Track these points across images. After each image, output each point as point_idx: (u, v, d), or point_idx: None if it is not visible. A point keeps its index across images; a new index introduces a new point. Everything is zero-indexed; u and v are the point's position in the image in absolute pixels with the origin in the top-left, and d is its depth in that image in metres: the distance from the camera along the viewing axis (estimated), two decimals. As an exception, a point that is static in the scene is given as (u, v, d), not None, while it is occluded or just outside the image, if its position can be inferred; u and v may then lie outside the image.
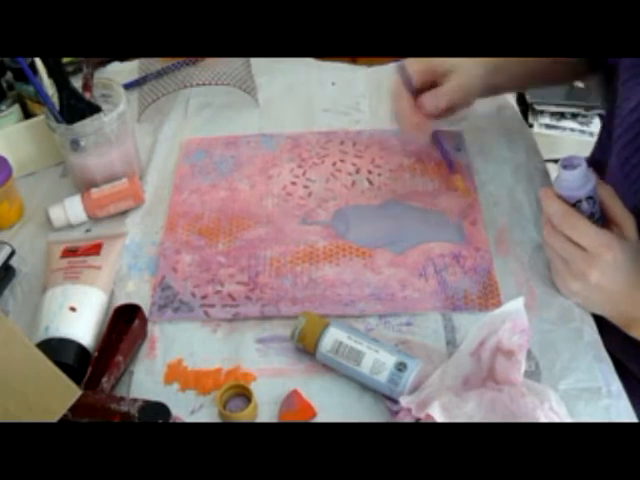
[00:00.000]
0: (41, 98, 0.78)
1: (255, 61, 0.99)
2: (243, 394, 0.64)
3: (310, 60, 1.02)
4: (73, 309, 0.68)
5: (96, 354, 0.65)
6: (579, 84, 1.73)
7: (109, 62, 1.01)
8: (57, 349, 0.65)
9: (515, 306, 0.61)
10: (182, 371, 0.66)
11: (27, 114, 0.87)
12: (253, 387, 0.64)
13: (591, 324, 0.68)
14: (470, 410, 0.58)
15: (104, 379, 0.63)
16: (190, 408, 0.64)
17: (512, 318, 0.61)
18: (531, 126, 1.66)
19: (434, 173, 0.83)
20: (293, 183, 0.84)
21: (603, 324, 0.68)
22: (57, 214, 0.79)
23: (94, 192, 0.80)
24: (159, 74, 0.97)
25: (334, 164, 0.86)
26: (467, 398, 0.59)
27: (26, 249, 0.78)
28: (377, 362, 0.62)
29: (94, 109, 0.79)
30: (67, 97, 0.78)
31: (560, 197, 0.63)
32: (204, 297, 0.72)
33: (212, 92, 0.96)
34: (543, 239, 0.68)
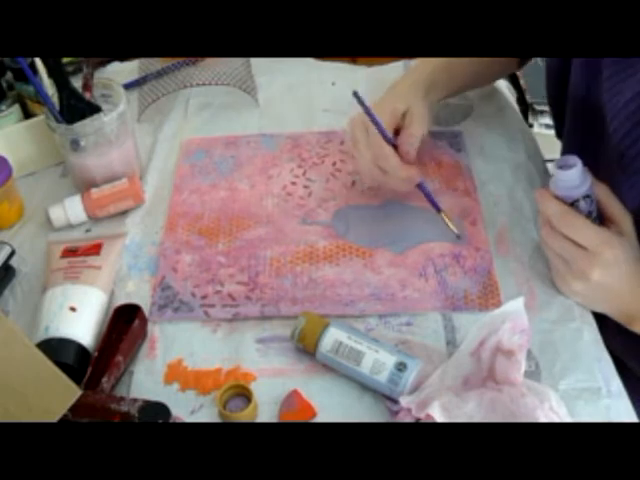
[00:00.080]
0: (41, 98, 0.78)
1: (255, 61, 0.99)
2: (243, 394, 0.64)
3: (310, 60, 1.02)
4: (73, 309, 0.68)
5: (96, 354, 0.65)
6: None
7: (109, 62, 1.01)
8: (57, 349, 0.65)
9: (515, 306, 0.61)
10: (182, 371, 0.66)
11: (27, 114, 0.87)
12: (253, 387, 0.64)
13: (591, 324, 0.68)
14: (470, 410, 0.58)
15: (104, 379, 0.63)
16: (190, 408, 0.64)
17: (512, 318, 0.61)
18: (531, 126, 1.66)
19: (434, 173, 0.83)
20: (293, 183, 0.84)
21: (604, 323, 0.68)
22: (57, 214, 0.79)
23: (94, 192, 0.80)
24: (159, 74, 0.97)
25: (334, 164, 0.86)
26: (467, 398, 0.59)
27: (26, 249, 0.78)
28: (377, 362, 0.62)
29: (94, 109, 0.79)
30: (67, 97, 0.78)
31: (557, 197, 0.64)
32: (204, 297, 0.72)
33: (212, 92, 0.96)
34: (541, 240, 0.68)
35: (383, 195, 0.80)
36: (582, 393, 0.63)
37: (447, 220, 0.75)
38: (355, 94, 0.72)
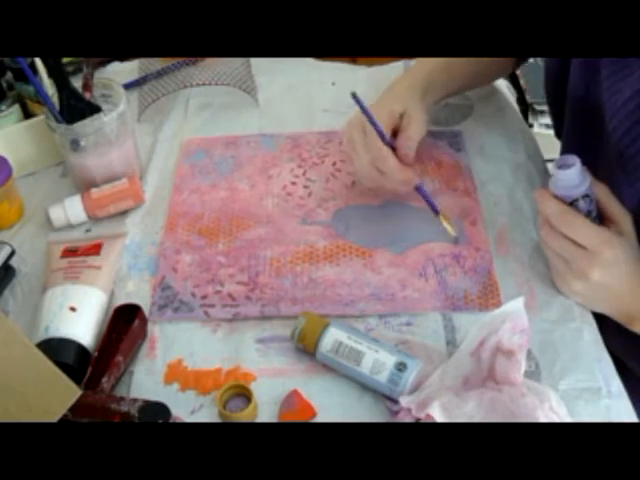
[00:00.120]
0: (41, 98, 0.78)
1: (255, 61, 0.99)
2: (243, 394, 0.64)
3: (310, 60, 1.02)
4: (73, 309, 0.68)
5: (96, 354, 0.65)
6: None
7: (109, 62, 1.01)
8: (57, 349, 0.65)
9: (515, 306, 0.61)
10: (182, 371, 0.66)
11: (27, 114, 0.87)
12: (253, 387, 0.64)
13: (591, 324, 0.68)
14: (470, 410, 0.58)
15: (104, 379, 0.63)
16: (190, 408, 0.64)
17: (512, 318, 0.61)
18: (531, 126, 1.66)
19: (434, 173, 0.83)
20: (293, 183, 0.84)
21: (604, 323, 0.68)
22: (57, 214, 0.79)
23: (94, 192, 0.80)
24: (159, 74, 0.97)
25: (334, 164, 0.86)
26: (467, 398, 0.59)
27: (26, 249, 0.78)
28: (377, 362, 0.62)
29: (94, 109, 0.79)
30: (67, 97, 0.78)
31: (556, 197, 0.64)
32: (204, 297, 0.72)
33: (212, 92, 0.96)
34: (540, 240, 0.68)
35: (383, 195, 0.80)
36: (582, 393, 0.63)
37: (445, 223, 0.75)
38: (353, 95, 0.72)
